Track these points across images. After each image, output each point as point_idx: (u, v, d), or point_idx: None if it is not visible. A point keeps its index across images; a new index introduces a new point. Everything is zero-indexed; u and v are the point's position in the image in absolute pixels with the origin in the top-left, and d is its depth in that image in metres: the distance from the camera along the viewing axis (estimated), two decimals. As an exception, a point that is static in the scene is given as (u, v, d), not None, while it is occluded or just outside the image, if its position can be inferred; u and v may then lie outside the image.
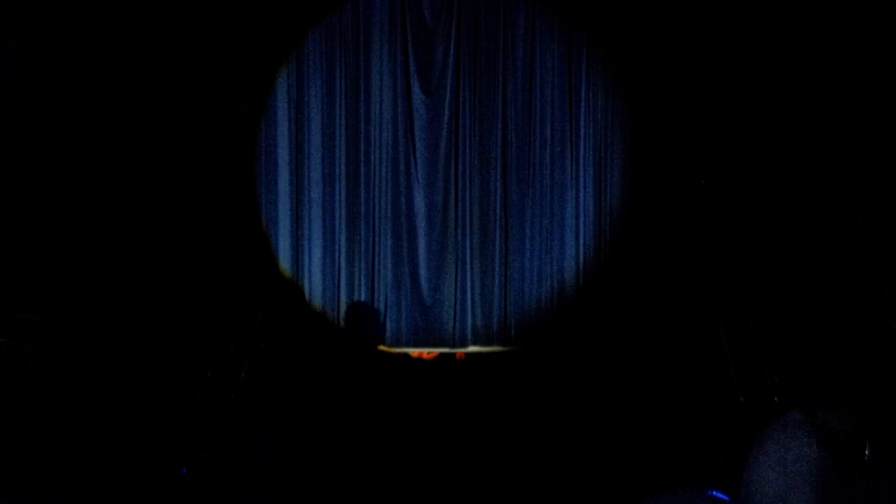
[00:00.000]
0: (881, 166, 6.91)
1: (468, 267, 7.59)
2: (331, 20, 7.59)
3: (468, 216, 7.61)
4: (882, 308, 6.72)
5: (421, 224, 7.63)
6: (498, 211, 7.61)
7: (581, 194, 7.62)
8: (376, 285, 7.62)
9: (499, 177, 7.62)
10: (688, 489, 2.02)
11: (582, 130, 7.61)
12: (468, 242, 7.60)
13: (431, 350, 7.31)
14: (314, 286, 7.60)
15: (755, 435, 1.71)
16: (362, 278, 7.62)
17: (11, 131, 6.84)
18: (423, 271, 7.61)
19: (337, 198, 7.62)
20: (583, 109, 7.61)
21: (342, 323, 7.57)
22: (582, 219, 7.62)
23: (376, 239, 7.63)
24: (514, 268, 7.61)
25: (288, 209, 7.58)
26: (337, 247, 7.62)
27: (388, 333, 7.56)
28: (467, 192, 7.62)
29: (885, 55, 6.75)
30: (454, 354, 7.31)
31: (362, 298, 7.62)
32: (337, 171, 7.61)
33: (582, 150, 7.61)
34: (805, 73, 7.13)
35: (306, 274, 7.60)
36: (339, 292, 7.61)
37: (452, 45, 7.58)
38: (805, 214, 7.41)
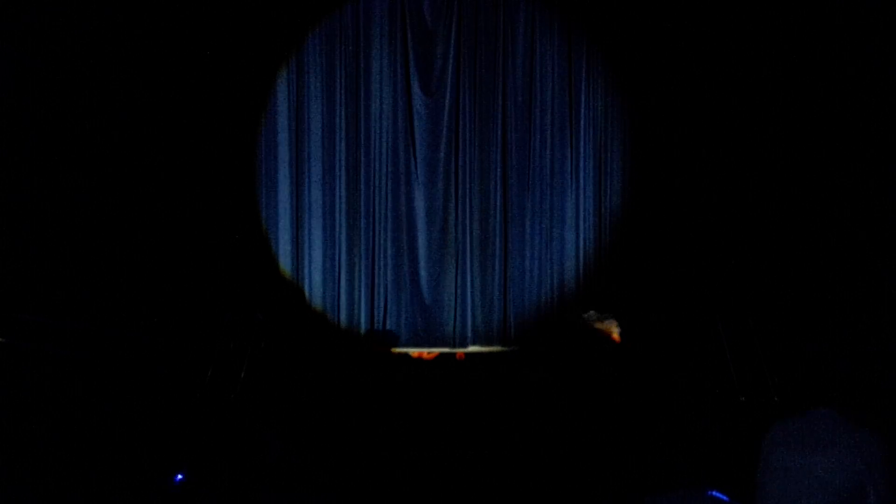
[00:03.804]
0: (881, 167, 6.90)
1: (468, 267, 7.58)
2: (331, 20, 7.59)
3: (468, 216, 7.61)
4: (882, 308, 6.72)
5: (421, 224, 7.62)
6: (498, 211, 7.61)
7: (581, 194, 7.62)
8: (376, 285, 7.61)
9: (499, 177, 7.62)
10: (688, 489, 2.01)
11: (582, 130, 7.61)
12: (468, 242, 7.60)
13: (431, 350, 7.30)
14: (314, 286, 7.60)
15: (783, 429, 1.69)
16: (362, 278, 7.61)
17: (12, 132, 6.84)
18: (423, 271, 7.61)
19: (337, 198, 7.61)
20: (583, 109, 7.61)
21: (343, 323, 7.57)
22: (582, 219, 7.62)
23: (376, 239, 7.62)
24: (514, 268, 7.61)
25: (288, 209, 7.58)
26: (337, 247, 7.61)
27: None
28: (467, 192, 7.62)
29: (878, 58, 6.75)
30: (454, 354, 7.30)
31: (362, 298, 7.62)
32: (337, 170, 7.61)
33: (582, 150, 7.61)
34: (807, 72, 7.12)
35: (306, 274, 7.60)
36: (339, 292, 7.61)
37: (452, 45, 7.58)
38: (805, 214, 7.40)
